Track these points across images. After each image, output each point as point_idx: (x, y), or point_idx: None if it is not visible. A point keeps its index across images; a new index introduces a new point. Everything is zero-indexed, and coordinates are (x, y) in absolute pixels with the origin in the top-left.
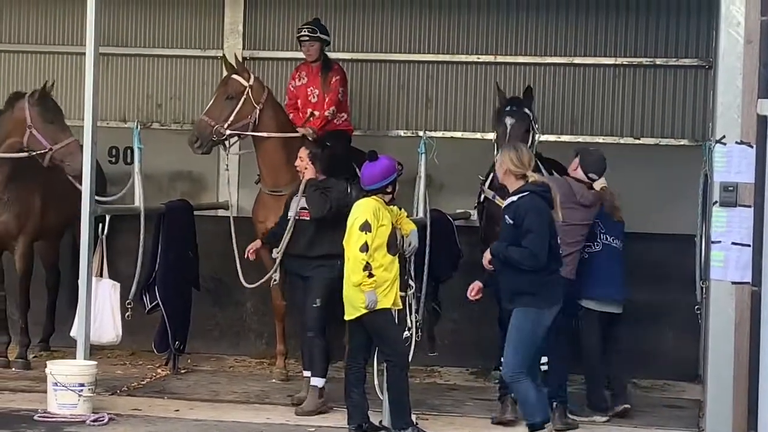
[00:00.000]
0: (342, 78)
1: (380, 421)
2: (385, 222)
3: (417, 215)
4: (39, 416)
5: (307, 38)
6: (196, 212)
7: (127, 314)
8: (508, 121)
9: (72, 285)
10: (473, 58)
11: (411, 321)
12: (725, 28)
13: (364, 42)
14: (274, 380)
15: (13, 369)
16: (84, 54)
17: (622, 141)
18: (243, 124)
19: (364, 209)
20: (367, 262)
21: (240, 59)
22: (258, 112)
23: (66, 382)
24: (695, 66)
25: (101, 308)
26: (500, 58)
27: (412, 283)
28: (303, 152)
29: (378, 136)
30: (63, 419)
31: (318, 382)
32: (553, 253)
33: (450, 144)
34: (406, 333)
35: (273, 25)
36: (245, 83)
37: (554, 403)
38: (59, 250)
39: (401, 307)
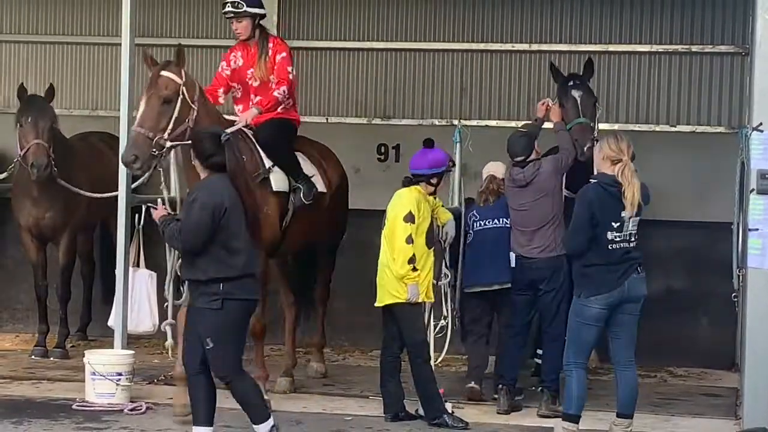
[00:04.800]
0: (289, 54)
1: (416, 410)
2: (425, 214)
3: (452, 204)
4: (77, 405)
5: (232, 14)
6: None
7: (165, 304)
8: (576, 93)
9: (107, 276)
10: (508, 46)
11: (447, 310)
12: (762, 14)
13: (399, 31)
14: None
15: (52, 358)
16: (119, 45)
17: (657, 128)
18: (181, 130)
19: (407, 200)
20: (413, 255)
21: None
22: (195, 113)
23: (104, 372)
24: (731, 53)
25: (138, 298)
26: (535, 47)
27: (447, 272)
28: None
29: (412, 125)
30: (101, 408)
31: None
32: (598, 246)
33: (485, 132)
34: (442, 322)
35: (308, 15)
36: (179, 80)
37: (542, 389)
38: (93, 240)
39: (433, 300)
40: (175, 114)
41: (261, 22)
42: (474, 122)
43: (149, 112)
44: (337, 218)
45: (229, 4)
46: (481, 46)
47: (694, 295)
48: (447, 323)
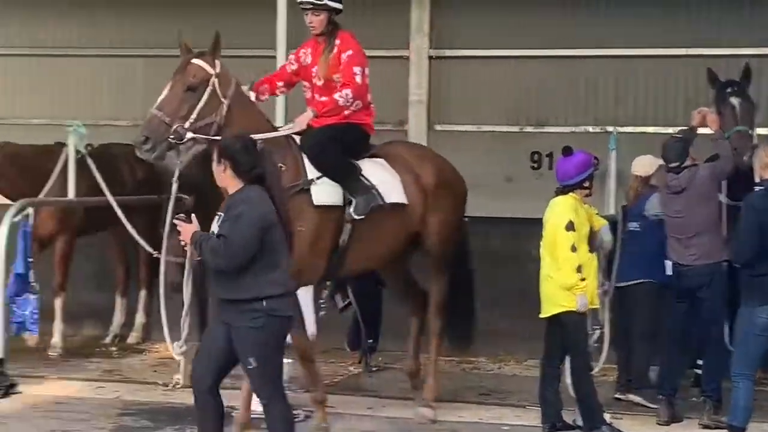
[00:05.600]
0: (358, 53)
1: (573, 420)
2: (583, 220)
3: (608, 212)
4: (237, 413)
5: (310, 6)
6: None
7: (321, 313)
8: (734, 100)
9: None
10: (662, 51)
11: (603, 318)
12: None
13: (552, 38)
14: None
15: None
16: (273, 58)
17: None
18: (206, 123)
19: (563, 208)
20: (579, 264)
21: (427, 58)
22: (225, 108)
23: None
24: None
25: None
26: (691, 51)
27: (602, 279)
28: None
29: (565, 132)
30: (260, 416)
31: None
32: (766, 254)
33: (640, 139)
34: (598, 331)
35: (460, 23)
36: (210, 70)
37: (703, 398)
38: None
39: (598, 306)
40: (201, 104)
41: (336, 18)
42: (629, 129)
43: (171, 97)
44: (441, 227)
45: None
46: (636, 51)
47: None
48: (603, 332)
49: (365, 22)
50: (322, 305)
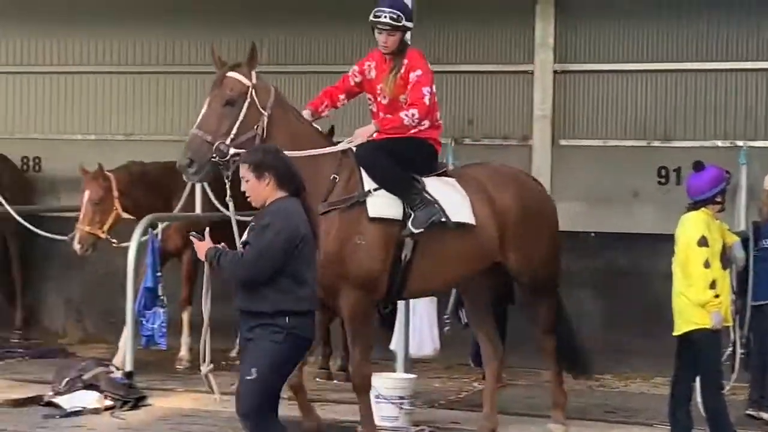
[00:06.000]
0: (426, 73)
1: None
2: (716, 236)
3: (738, 228)
4: (362, 429)
5: (388, 27)
6: None
7: (445, 329)
8: None
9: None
10: None
11: (735, 336)
12: None
13: (679, 52)
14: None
15: (335, 381)
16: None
17: None
18: (248, 137)
19: (695, 224)
20: (713, 280)
21: (551, 72)
22: (266, 119)
23: (387, 395)
24: None
25: (420, 322)
26: None
27: (733, 296)
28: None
29: (693, 147)
30: (384, 431)
31: None
32: None
33: None
34: (730, 349)
35: (586, 37)
36: (247, 82)
37: None
38: None
39: (731, 323)
40: (240, 118)
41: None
42: (759, 143)
43: (210, 114)
44: (526, 251)
45: (386, 16)
46: (766, 65)
47: None
48: (735, 351)
49: (489, 37)
50: (446, 321)
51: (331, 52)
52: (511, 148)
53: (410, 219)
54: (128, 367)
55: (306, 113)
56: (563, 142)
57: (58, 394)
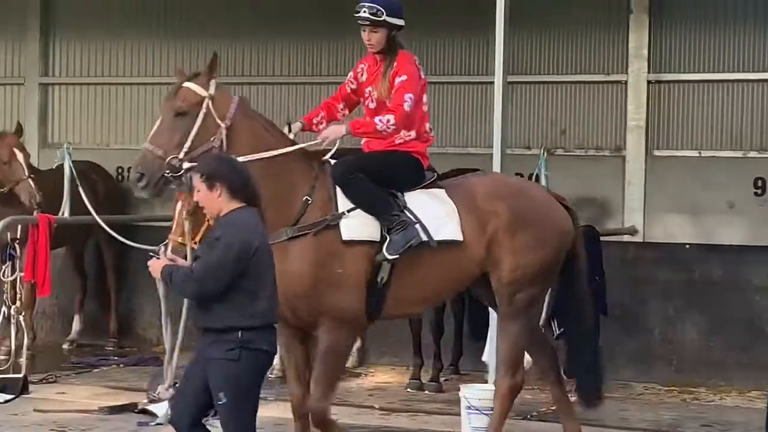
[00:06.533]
0: (412, 78)
1: None
2: None
3: None
4: None
5: (367, 22)
6: (602, 238)
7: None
8: None
9: (478, 312)
10: None
11: None
12: None
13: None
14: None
15: (427, 391)
16: (491, 83)
17: None
18: (204, 150)
19: None
20: None
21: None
22: (224, 130)
23: (479, 406)
24: None
25: None
26: None
27: None
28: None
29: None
30: None
31: None
32: None
33: None
34: None
35: (680, 47)
36: (202, 92)
37: None
38: None
39: None
40: (195, 130)
41: (396, 33)
42: None
43: (162, 127)
44: (513, 266)
45: (365, 10)
46: None
47: None
48: None
49: (582, 47)
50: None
51: (326, 62)
52: (604, 158)
53: (386, 244)
54: None
55: (296, 126)
56: (657, 153)
57: (152, 401)
